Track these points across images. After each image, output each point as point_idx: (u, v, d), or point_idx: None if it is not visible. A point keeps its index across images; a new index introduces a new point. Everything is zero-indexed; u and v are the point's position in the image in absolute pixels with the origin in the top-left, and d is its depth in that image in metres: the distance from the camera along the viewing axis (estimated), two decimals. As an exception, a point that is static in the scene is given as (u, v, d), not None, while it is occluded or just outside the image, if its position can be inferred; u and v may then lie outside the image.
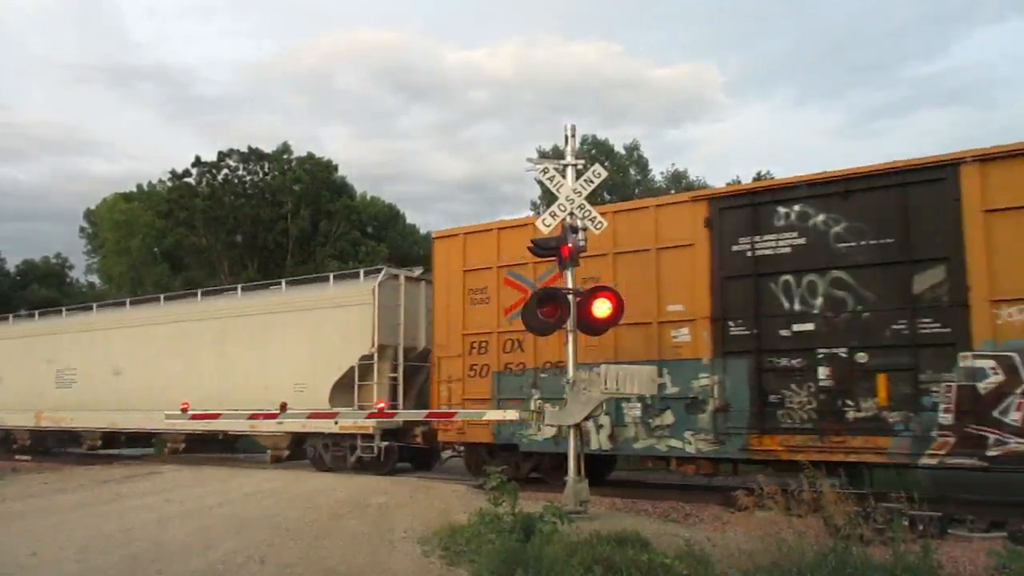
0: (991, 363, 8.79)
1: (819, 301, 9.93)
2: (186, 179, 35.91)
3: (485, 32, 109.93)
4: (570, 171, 10.00)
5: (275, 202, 35.87)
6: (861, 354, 9.56)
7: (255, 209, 35.55)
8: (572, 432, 9.46)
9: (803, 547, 5.65)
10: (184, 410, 14.74)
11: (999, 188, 8.95)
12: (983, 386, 8.79)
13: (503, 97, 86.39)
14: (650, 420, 10.86)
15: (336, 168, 38.88)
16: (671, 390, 10.75)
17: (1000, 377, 8.73)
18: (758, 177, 27.38)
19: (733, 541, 6.87)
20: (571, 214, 9.77)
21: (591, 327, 9.59)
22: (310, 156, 37.85)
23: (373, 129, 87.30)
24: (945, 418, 8.90)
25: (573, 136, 10.19)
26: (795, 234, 10.18)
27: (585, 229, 9.80)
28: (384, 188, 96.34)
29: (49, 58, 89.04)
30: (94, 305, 20.67)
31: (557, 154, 11.77)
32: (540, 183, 10.88)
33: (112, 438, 18.87)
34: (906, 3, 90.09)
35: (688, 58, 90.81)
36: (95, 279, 46.38)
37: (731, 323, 10.48)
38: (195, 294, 18.29)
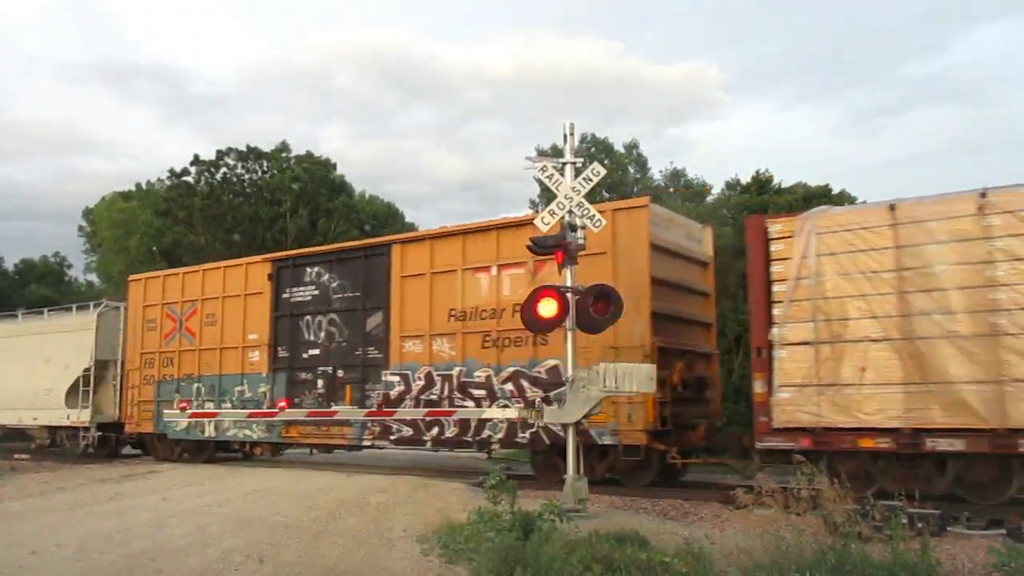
0: (397, 377, 13.36)
1: (322, 334, 14.56)
2: (184, 178, 35.90)
3: (484, 31, 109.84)
4: (569, 169, 9.98)
5: (274, 201, 35.85)
6: (340, 371, 14.21)
7: (253, 208, 35.53)
8: (571, 430, 9.45)
9: (802, 545, 5.65)
10: (183, 410, 15.54)
11: (409, 262, 13.57)
12: (393, 392, 13.33)
13: (502, 96, 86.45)
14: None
15: (335, 167, 38.90)
16: (248, 395, 15.46)
17: (401, 387, 13.27)
18: (757, 176, 27.31)
19: (732, 539, 6.87)
20: (570, 212, 9.76)
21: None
22: (309, 155, 37.85)
23: (372, 128, 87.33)
24: None
25: (572, 134, 10.18)
26: (313, 287, 14.86)
27: (584, 227, 9.79)
28: (383, 187, 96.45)
29: (47, 57, 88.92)
30: None
31: (556, 152, 11.82)
32: (539, 181, 10.88)
33: None
34: (905, 3, 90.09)
35: (688, 57, 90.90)
36: (94, 278, 46.38)
37: (279, 348, 15.14)
38: None
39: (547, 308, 9.36)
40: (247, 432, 15.34)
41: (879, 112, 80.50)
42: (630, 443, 11.00)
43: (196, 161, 35.76)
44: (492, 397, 12.13)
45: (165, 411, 16.50)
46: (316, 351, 14.57)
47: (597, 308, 9.43)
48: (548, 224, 9.90)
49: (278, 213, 35.84)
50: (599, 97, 79.71)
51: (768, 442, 9.76)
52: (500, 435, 12.14)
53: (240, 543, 7.71)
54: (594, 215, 9.80)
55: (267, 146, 37.79)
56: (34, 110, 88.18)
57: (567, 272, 9.63)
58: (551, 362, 11.57)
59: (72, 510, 10.28)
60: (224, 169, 36.17)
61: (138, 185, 42.40)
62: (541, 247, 9.86)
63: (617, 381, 9.05)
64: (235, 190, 36.22)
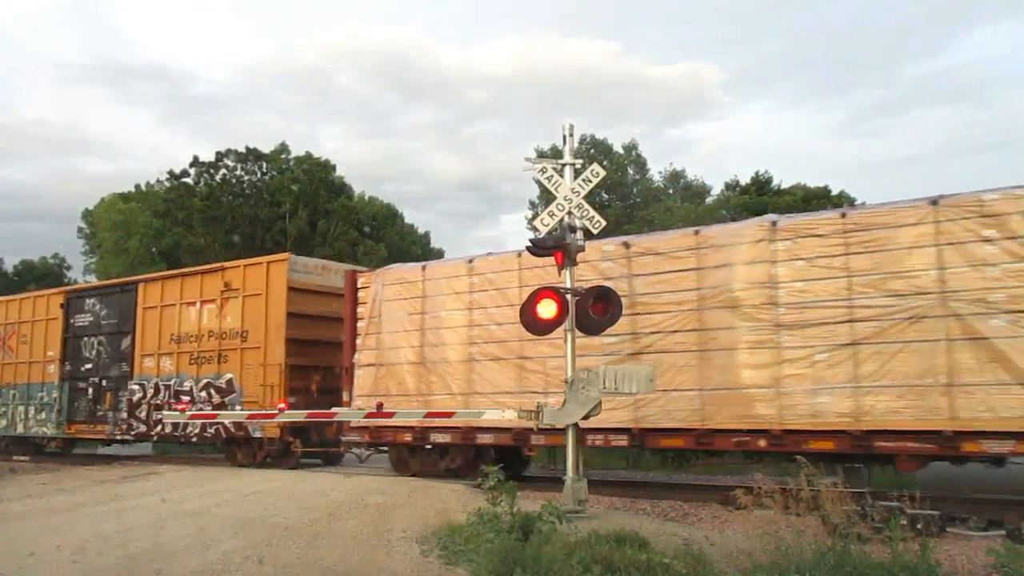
0: (138, 386, 17.19)
1: (94, 352, 18.39)
2: (184, 179, 35.92)
3: (484, 31, 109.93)
4: (568, 170, 9.98)
5: (273, 202, 35.87)
6: (104, 381, 18.04)
7: (253, 209, 35.55)
8: (570, 431, 9.45)
9: (801, 546, 5.65)
10: (183, 411, 15.60)
11: (149, 297, 17.44)
12: (135, 398, 17.20)
13: (502, 96, 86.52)
14: (35, 416, 19.65)
15: (334, 168, 38.92)
16: (47, 399, 19.28)
17: (140, 394, 17.14)
18: (756, 177, 27.42)
19: (731, 540, 6.87)
20: (569, 213, 9.77)
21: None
22: (308, 156, 37.86)
23: (372, 128, 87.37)
24: (123, 414, 17.40)
25: (571, 135, 10.18)
26: (90, 315, 18.66)
27: (583, 228, 9.79)
28: (383, 187, 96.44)
29: (46, 58, 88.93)
30: None
31: (556, 153, 11.93)
32: (538, 182, 10.87)
33: None
34: (905, 2, 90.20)
35: (688, 57, 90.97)
36: (93, 279, 46.29)
37: (67, 362, 18.90)
38: None
39: (546, 310, 9.35)
40: (44, 429, 19.43)
41: (879, 112, 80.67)
42: (271, 436, 15.02)
43: (195, 162, 35.79)
44: (194, 401, 15.98)
45: (165, 412, 16.61)
46: (89, 365, 18.50)
47: (596, 309, 9.44)
48: (548, 225, 9.90)
49: (277, 214, 35.86)
50: (599, 97, 79.86)
51: (348, 436, 13.83)
52: (196, 430, 16.19)
53: (240, 544, 7.71)
54: (593, 216, 9.80)
55: (267, 147, 37.88)
56: (34, 110, 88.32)
57: (566, 273, 9.63)
58: (228, 375, 15.76)
59: (71, 511, 10.28)
60: (223, 170, 36.20)
61: (137, 186, 42.48)
62: (540, 248, 9.86)
63: (616, 382, 9.05)
64: (234, 191, 36.24)
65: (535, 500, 8.46)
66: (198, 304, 16.31)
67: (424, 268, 13.38)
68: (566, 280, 9.63)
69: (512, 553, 6.07)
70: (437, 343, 12.79)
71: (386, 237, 39.36)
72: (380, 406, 13.25)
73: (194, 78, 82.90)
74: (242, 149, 36.49)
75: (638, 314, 10.94)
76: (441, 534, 7.74)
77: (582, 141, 36.10)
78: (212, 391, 15.83)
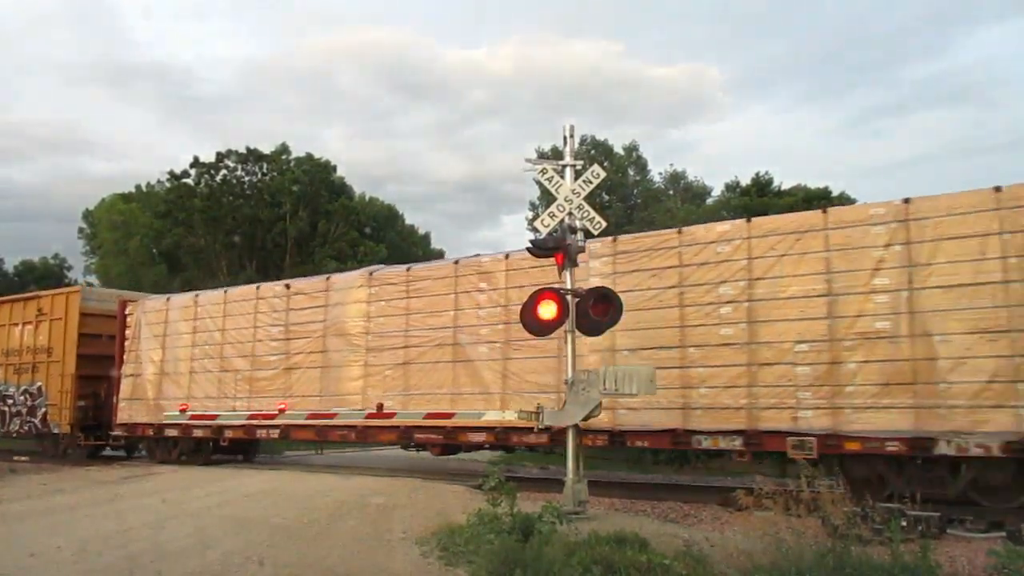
0: None
1: None
2: (184, 180, 35.92)
3: (485, 31, 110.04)
4: (568, 172, 9.99)
5: (273, 203, 35.89)
6: None
7: (253, 210, 35.57)
8: (571, 432, 9.45)
9: (802, 547, 5.65)
10: (183, 411, 15.70)
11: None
12: None
13: (503, 97, 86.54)
14: None
15: (335, 168, 38.93)
16: None
17: None
18: (757, 178, 27.40)
19: (732, 541, 6.86)
20: (569, 214, 9.77)
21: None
22: (309, 157, 37.87)
23: (372, 129, 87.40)
24: None
25: (572, 136, 10.19)
26: None
27: (584, 229, 9.79)
28: (383, 188, 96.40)
29: (47, 58, 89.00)
30: None
31: (556, 154, 11.94)
32: (539, 183, 10.87)
33: None
34: (906, 4, 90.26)
35: (688, 58, 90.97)
36: (93, 280, 46.26)
37: None
38: None
39: (547, 310, 9.36)
40: None
41: (880, 113, 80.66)
42: (64, 432, 18.10)
43: (196, 163, 35.80)
44: (16, 405, 18.93)
45: (165, 412, 16.63)
46: None
47: (597, 310, 9.44)
48: (548, 226, 9.90)
49: (278, 215, 35.88)
50: (600, 98, 79.83)
51: (117, 431, 17.21)
52: (16, 427, 18.98)
53: (240, 545, 7.71)
54: (594, 217, 9.81)
55: (267, 147, 37.87)
56: (34, 110, 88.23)
57: (567, 274, 9.63)
58: (38, 383, 18.60)
59: (71, 511, 10.27)
60: (224, 171, 36.21)
61: (138, 187, 42.47)
62: (541, 249, 9.86)
63: (617, 383, 9.05)
64: (235, 192, 36.25)
65: (535, 501, 8.46)
66: (21, 325, 19.47)
67: (168, 300, 17.53)
68: (567, 281, 9.64)
69: (512, 554, 6.07)
70: (172, 359, 16.57)
71: (387, 238, 39.38)
72: (380, 407, 13.36)
73: (194, 78, 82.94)
74: (243, 150, 36.54)
75: (291, 338, 14.77)
76: (441, 535, 7.74)
77: (583, 142, 36.09)
78: (28, 396, 18.99)
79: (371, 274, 14.13)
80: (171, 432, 16.28)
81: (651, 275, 11.03)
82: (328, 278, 14.95)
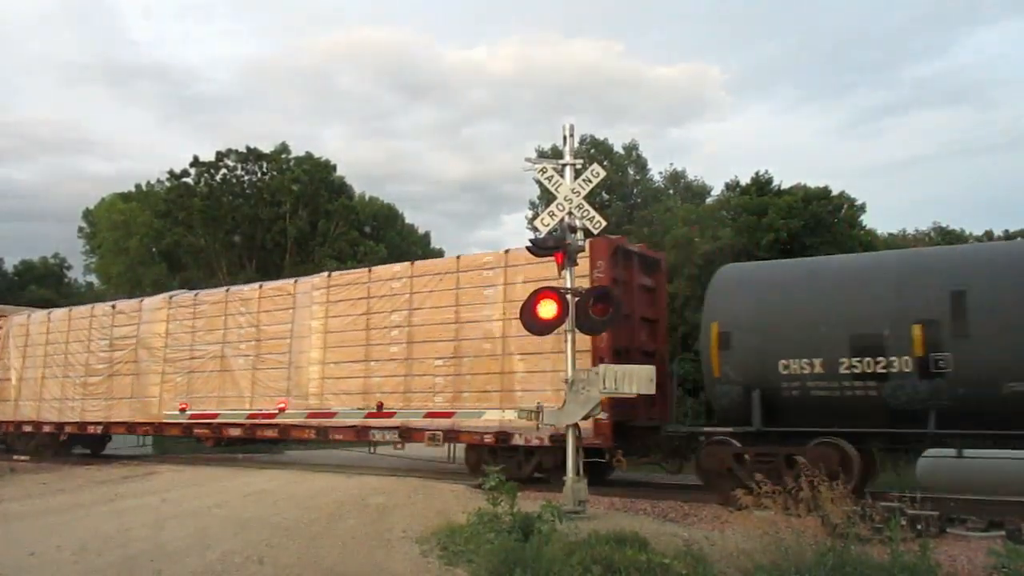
0: None
1: None
2: (184, 179, 35.87)
3: (485, 31, 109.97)
4: (568, 171, 9.99)
5: (273, 202, 35.84)
6: None
7: (253, 209, 35.52)
8: (570, 431, 9.45)
9: (801, 546, 5.64)
10: (183, 410, 15.73)
11: None
12: None
13: (503, 96, 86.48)
14: None
15: (335, 168, 38.85)
16: None
17: None
18: (756, 177, 27.27)
19: (732, 541, 6.86)
20: (569, 213, 9.77)
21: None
22: (308, 156, 37.80)
23: (372, 128, 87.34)
24: None
25: (571, 136, 10.19)
26: None
27: (583, 228, 9.79)
28: (383, 188, 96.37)
29: (47, 57, 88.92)
30: None
31: (556, 154, 11.98)
32: (539, 182, 10.90)
33: None
34: (907, 4, 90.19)
35: (689, 57, 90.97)
36: (93, 279, 46.28)
37: None
38: None
39: (546, 310, 9.35)
40: None
41: (881, 113, 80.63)
42: None
43: (196, 162, 35.74)
44: None
45: (165, 411, 16.64)
46: None
47: (597, 310, 9.43)
48: (548, 226, 9.90)
49: (278, 215, 35.83)
50: (600, 98, 79.81)
51: None
52: None
53: (239, 544, 7.71)
54: (594, 217, 9.81)
55: (267, 147, 37.80)
56: (34, 110, 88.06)
57: (567, 274, 9.63)
58: None
59: (71, 511, 10.28)
60: (224, 170, 36.15)
61: (138, 186, 42.37)
62: (541, 249, 9.86)
63: (617, 382, 9.05)
64: (235, 191, 36.20)
65: (535, 500, 8.46)
66: None
67: (29, 316, 20.38)
68: (566, 280, 9.64)
69: (512, 553, 6.07)
70: (31, 367, 19.30)
71: (386, 237, 39.33)
72: (380, 406, 13.40)
73: (194, 78, 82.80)
74: (243, 149, 36.46)
75: (114, 350, 17.72)
76: (441, 534, 7.74)
77: (582, 141, 36.03)
78: None
79: (171, 298, 17.52)
80: (27, 428, 19.46)
81: (351, 304, 14.08)
82: (141, 300, 18.28)
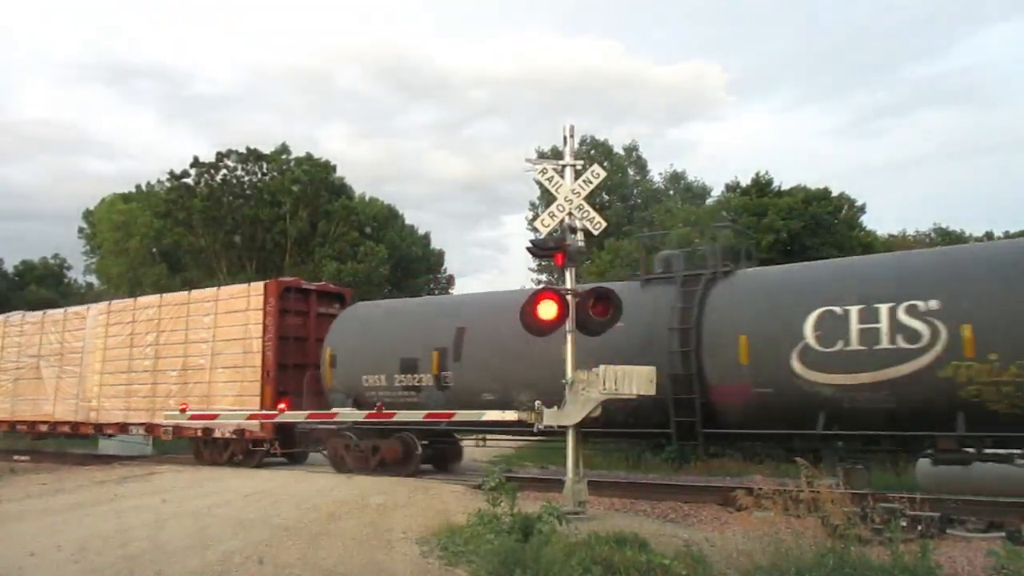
0: None
1: None
2: (184, 179, 35.87)
3: (485, 31, 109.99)
4: (568, 171, 9.99)
5: (273, 203, 35.83)
6: None
7: (253, 210, 35.52)
8: (571, 432, 9.45)
9: (801, 547, 5.65)
10: (183, 410, 15.71)
11: None
12: None
13: (503, 96, 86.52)
14: None
15: (335, 168, 38.86)
16: None
17: None
18: (757, 178, 27.28)
19: (732, 541, 6.87)
20: (569, 214, 9.77)
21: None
22: (308, 156, 37.80)
23: (372, 128, 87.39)
24: None
25: (572, 136, 10.19)
26: None
27: (584, 229, 9.79)
28: (383, 188, 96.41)
29: (47, 56, 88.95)
30: None
31: (556, 154, 12.01)
32: (539, 183, 10.91)
33: None
34: (907, 4, 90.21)
35: (690, 57, 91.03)
36: (93, 279, 46.27)
37: None
38: None
39: (547, 310, 9.35)
40: None
41: (882, 113, 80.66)
42: None
43: (196, 163, 35.75)
44: None
45: (166, 412, 16.70)
46: None
47: (597, 310, 9.44)
48: (548, 226, 9.91)
49: (278, 215, 35.83)
50: (600, 98, 79.87)
51: None
52: None
53: (240, 544, 7.71)
54: (594, 217, 9.81)
55: (267, 147, 37.81)
56: (34, 110, 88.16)
57: (567, 274, 9.63)
58: None
59: (71, 511, 10.27)
60: (224, 171, 36.16)
61: (138, 187, 42.39)
62: (541, 250, 9.86)
63: (617, 383, 9.05)
64: (235, 192, 36.22)
65: (535, 501, 8.46)
66: None
67: None
68: (567, 281, 9.64)
69: (512, 554, 6.07)
70: None
71: (387, 238, 39.31)
72: (380, 407, 13.40)
73: (194, 78, 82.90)
74: (243, 149, 36.47)
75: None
76: (441, 535, 7.74)
77: (583, 142, 36.10)
78: None
79: (7, 319, 21.42)
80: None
81: (121, 327, 18.01)
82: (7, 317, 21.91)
